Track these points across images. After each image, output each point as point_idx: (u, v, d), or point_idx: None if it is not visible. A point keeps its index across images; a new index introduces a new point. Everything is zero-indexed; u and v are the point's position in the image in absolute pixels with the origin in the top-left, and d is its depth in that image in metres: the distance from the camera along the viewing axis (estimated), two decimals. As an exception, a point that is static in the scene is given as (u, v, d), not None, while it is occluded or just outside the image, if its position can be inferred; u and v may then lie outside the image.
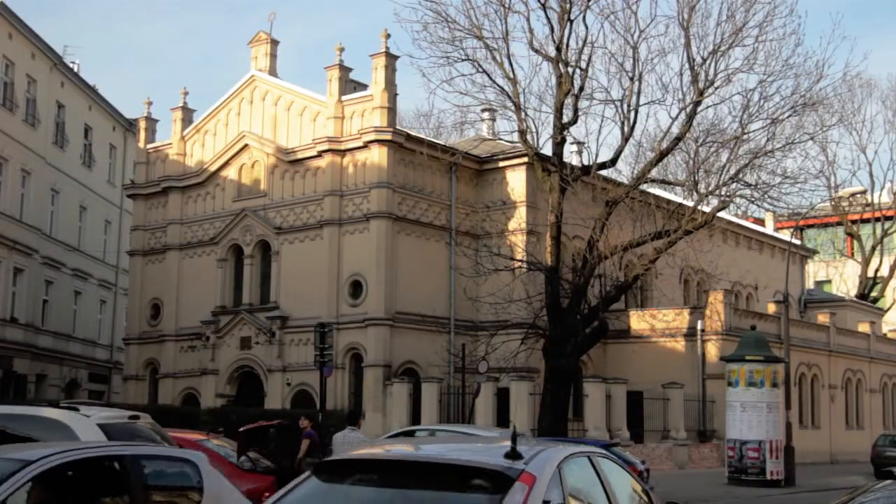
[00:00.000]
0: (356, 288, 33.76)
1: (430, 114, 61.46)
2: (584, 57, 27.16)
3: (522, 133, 27.81)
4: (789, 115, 28.00)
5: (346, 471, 5.86)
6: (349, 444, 14.12)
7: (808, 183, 33.87)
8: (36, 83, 39.38)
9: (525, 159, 33.10)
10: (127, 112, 48.27)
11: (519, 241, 33.85)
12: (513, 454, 5.51)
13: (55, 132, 41.59)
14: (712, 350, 35.39)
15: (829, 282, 66.66)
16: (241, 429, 14.51)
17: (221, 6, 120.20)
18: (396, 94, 34.30)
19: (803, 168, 45.50)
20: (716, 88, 27.59)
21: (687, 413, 34.87)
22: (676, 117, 27.77)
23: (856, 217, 61.98)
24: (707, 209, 29.25)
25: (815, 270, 66.13)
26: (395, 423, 30.45)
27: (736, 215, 50.55)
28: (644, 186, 29.61)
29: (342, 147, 34.46)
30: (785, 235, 52.52)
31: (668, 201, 33.20)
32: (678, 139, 27.72)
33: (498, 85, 27.54)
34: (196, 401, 36.37)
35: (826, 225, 65.92)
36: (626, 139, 27.58)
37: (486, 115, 35.82)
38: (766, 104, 27.93)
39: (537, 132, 28.12)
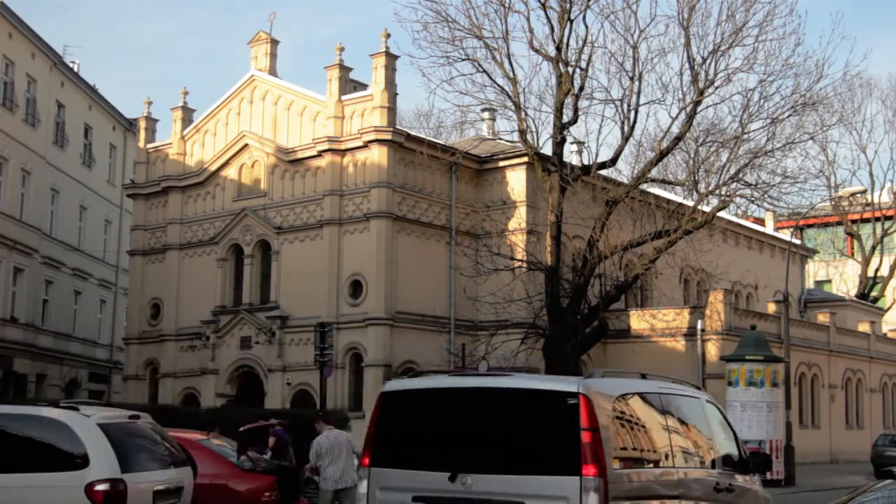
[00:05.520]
0: (356, 288, 33.75)
1: (430, 114, 61.17)
2: (584, 57, 27.25)
3: (522, 133, 27.84)
4: (789, 115, 28.07)
5: None
6: (332, 444, 14.32)
7: (808, 183, 34.02)
8: (36, 83, 39.35)
9: (525, 159, 33.10)
10: (127, 112, 48.27)
11: (519, 240, 33.82)
12: None
13: (55, 132, 41.55)
14: (712, 350, 35.36)
15: (829, 282, 66.61)
16: (242, 428, 14.49)
17: (221, 6, 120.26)
18: (396, 94, 34.27)
19: (803, 168, 45.62)
20: (716, 88, 27.66)
21: (687, 413, 34.77)
22: (676, 117, 27.83)
23: (856, 217, 61.89)
24: (707, 209, 29.28)
25: (815, 270, 66.07)
26: (395, 423, 30.39)
27: (736, 215, 50.52)
28: (644, 186, 29.64)
29: (342, 147, 34.44)
30: (785, 235, 52.49)
31: (668, 201, 33.18)
32: (678, 139, 27.75)
33: (498, 85, 27.61)
34: (196, 400, 36.32)
35: (826, 225, 65.82)
36: (626, 139, 27.62)
37: (486, 114, 35.89)
38: (766, 104, 28.02)
39: (537, 132, 28.19)
